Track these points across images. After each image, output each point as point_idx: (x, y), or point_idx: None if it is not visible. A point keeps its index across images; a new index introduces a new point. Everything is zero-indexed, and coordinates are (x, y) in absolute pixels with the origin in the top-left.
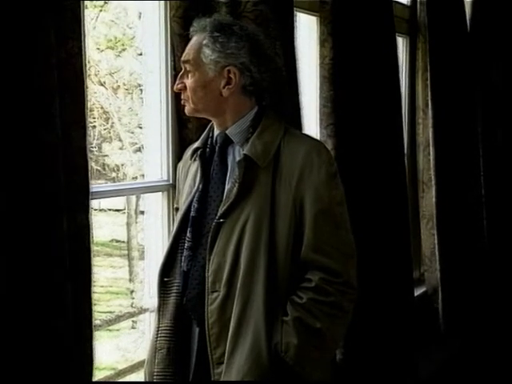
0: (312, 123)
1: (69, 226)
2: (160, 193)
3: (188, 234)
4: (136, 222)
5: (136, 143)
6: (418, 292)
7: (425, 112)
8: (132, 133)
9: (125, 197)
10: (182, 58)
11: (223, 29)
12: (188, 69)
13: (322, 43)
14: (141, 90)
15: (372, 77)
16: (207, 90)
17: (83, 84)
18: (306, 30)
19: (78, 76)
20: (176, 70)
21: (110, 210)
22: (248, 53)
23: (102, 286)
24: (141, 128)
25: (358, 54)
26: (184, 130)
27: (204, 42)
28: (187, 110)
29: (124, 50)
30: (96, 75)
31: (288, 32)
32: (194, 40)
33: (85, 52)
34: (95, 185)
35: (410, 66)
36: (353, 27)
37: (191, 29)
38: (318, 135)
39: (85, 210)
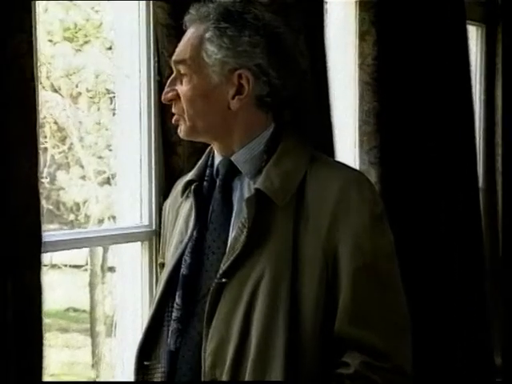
0: (348, 146)
1: (13, 290)
2: (138, 243)
3: (177, 300)
4: (103, 283)
5: (104, 172)
6: None
7: None
8: (99, 157)
9: (87, 248)
10: (175, 57)
11: (233, 18)
12: (183, 71)
13: (362, 37)
14: (111, 98)
15: (432, 82)
16: (210, 100)
17: (34, 93)
18: (340, 18)
19: (28, 82)
20: (161, 74)
21: (65, 265)
22: (265, 51)
23: (52, 375)
24: (111, 151)
25: (412, 52)
26: (172, 155)
27: (207, 35)
28: (183, 131)
29: (87, 42)
30: (48, 77)
31: (315, 22)
32: (192, 32)
33: (36, 50)
34: (46, 231)
35: (487, 65)
36: (405, 14)
37: (187, 17)
38: (357, 163)
39: (35, 267)
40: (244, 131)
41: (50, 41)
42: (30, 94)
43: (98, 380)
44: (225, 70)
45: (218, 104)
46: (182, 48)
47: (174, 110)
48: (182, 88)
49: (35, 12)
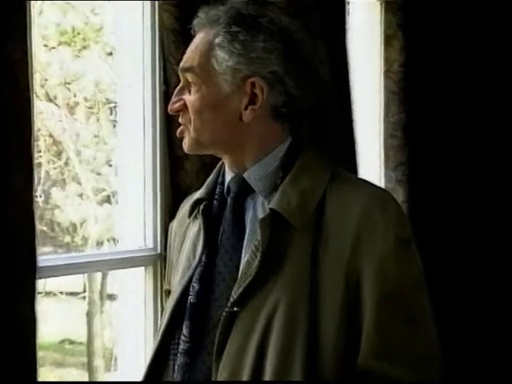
0: (372, 162)
1: (4, 320)
2: (142, 268)
3: (184, 331)
4: (101, 313)
5: (104, 190)
6: None
7: None
8: (98, 174)
9: (85, 274)
10: (182, 65)
11: (245, 22)
12: (191, 80)
13: (388, 41)
14: (111, 108)
15: (466, 91)
16: (220, 111)
17: (29, 104)
18: (364, 20)
19: (22, 93)
20: (167, 82)
21: (61, 293)
22: (281, 58)
23: None
24: (111, 167)
25: (443, 58)
26: (179, 171)
27: (217, 40)
28: (188, 144)
29: (86, 47)
30: (42, 86)
31: (336, 25)
32: (202, 37)
33: (31, 56)
34: (40, 255)
35: None
36: (435, 16)
37: (196, 21)
38: (383, 181)
39: (28, 295)
40: (258, 145)
41: (46, 46)
42: (25, 106)
43: None
44: (236, 78)
45: (229, 115)
46: (190, 54)
47: (181, 120)
48: (190, 98)
49: (30, 15)
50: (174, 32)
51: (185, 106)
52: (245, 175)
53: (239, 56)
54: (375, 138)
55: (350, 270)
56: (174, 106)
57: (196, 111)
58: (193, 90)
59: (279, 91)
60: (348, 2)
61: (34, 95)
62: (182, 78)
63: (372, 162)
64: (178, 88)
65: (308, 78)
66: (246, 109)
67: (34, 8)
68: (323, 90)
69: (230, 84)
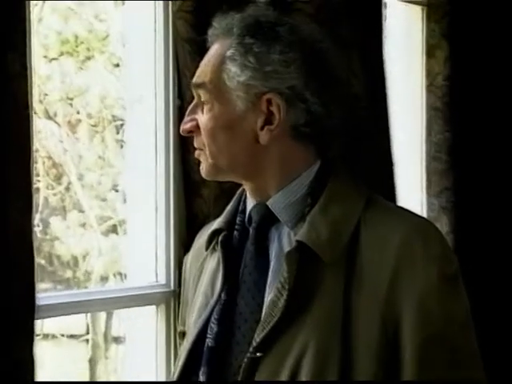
0: (413, 188)
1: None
2: (153, 307)
3: (201, 379)
4: (106, 358)
5: (109, 218)
6: None
7: None
8: (102, 200)
9: (88, 314)
10: (194, 81)
11: (261, 31)
12: (203, 98)
13: (432, 51)
14: (118, 127)
15: None
16: (234, 132)
17: (28, 124)
18: (403, 29)
19: (20, 110)
20: (182, 97)
21: (61, 335)
22: (301, 71)
23: None
24: (117, 192)
25: (493, 70)
26: (195, 198)
27: (228, 53)
28: (205, 169)
29: (90, 58)
30: (42, 102)
31: (371, 34)
32: (215, 50)
33: (31, 70)
34: (38, 292)
35: None
36: (484, 24)
37: (210, 31)
38: (424, 209)
39: (26, 338)
40: (280, 169)
41: (45, 57)
42: (24, 125)
43: None
44: (250, 94)
45: (245, 136)
46: (203, 69)
47: (195, 144)
48: (203, 118)
49: (29, 22)
50: (189, 42)
51: (197, 126)
52: (268, 203)
53: (253, 70)
54: (416, 160)
55: (388, 307)
56: (185, 126)
57: (209, 133)
58: (205, 108)
59: (300, 109)
60: (385, 4)
61: (33, 112)
62: (195, 95)
63: (412, 187)
64: (191, 106)
65: (334, 92)
66: (262, 129)
67: (33, 14)
68: (354, 106)
69: (244, 101)
